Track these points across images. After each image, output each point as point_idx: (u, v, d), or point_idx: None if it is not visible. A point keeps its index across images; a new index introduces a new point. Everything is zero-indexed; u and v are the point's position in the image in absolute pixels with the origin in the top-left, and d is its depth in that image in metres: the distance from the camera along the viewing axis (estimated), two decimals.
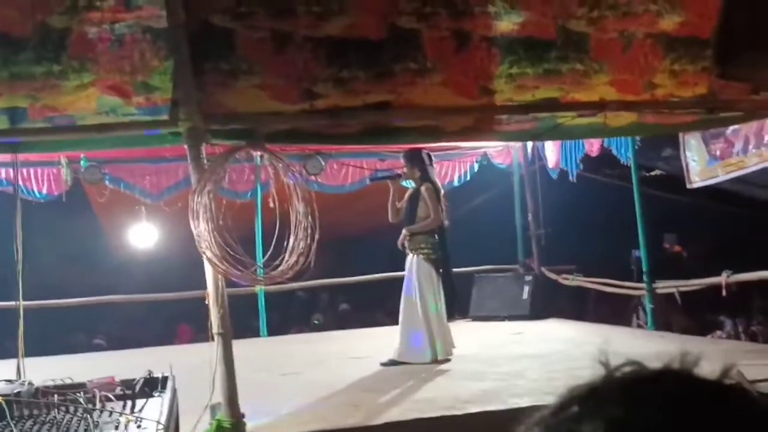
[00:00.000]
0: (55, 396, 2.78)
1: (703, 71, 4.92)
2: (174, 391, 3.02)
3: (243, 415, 4.27)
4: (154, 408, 2.72)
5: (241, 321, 7.97)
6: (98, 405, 2.73)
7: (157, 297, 10.02)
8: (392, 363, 6.45)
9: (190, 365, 4.07)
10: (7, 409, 2.56)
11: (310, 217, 4.48)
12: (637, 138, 8.00)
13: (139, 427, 2.52)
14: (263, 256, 4.99)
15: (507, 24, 4.64)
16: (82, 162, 8.47)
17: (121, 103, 4.40)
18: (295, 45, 4.42)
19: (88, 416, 2.58)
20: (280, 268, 4.47)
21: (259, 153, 5.02)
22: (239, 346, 4.51)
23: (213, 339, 4.31)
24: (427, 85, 4.63)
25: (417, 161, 6.79)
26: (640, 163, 8.66)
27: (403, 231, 6.77)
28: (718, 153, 7.50)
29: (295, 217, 4.49)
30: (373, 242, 9.56)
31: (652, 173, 9.88)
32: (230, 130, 4.70)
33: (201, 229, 4.21)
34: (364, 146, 8.36)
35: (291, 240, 4.46)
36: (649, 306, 8.38)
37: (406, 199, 6.91)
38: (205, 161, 4.41)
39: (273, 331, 9.56)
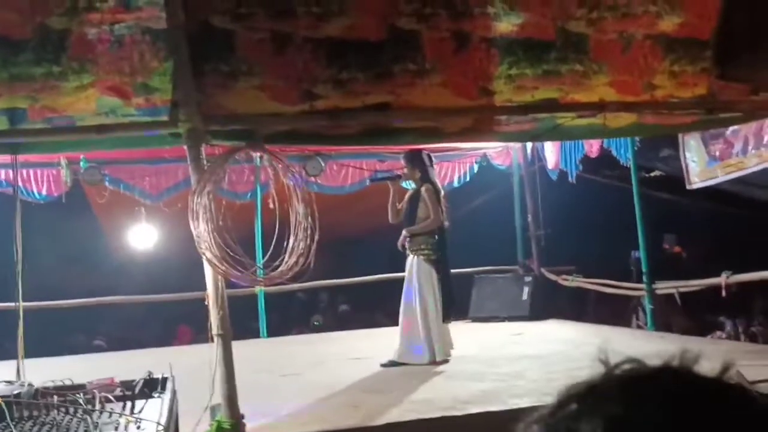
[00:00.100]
0: (55, 397, 2.78)
1: (703, 72, 4.92)
2: (174, 392, 3.02)
3: (243, 416, 4.27)
4: (154, 409, 2.72)
5: (241, 322, 7.97)
6: (98, 406, 2.73)
7: (156, 298, 10.02)
8: (392, 364, 6.45)
9: (189, 366, 4.07)
10: (6, 410, 2.56)
11: (309, 217, 4.48)
12: (637, 139, 8.00)
13: (138, 428, 2.52)
14: (263, 257, 4.99)
15: (506, 25, 4.64)
16: (81, 163, 8.47)
17: (121, 104, 4.41)
18: (294, 46, 4.42)
19: (88, 417, 2.58)
20: (279, 269, 4.47)
21: (258, 154, 5.02)
22: (239, 348, 4.51)
23: (213, 340, 4.31)
24: (426, 86, 4.63)
25: (417, 162, 6.78)
26: (640, 164, 8.66)
27: (404, 232, 6.77)
28: (717, 154, 7.50)
29: (295, 218, 4.49)
30: (373, 243, 9.56)
31: (652, 174, 9.87)
32: (230, 131, 4.70)
33: (201, 230, 4.22)
34: (364, 147, 8.36)
35: (291, 241, 4.47)
36: (648, 307, 8.38)
37: (406, 200, 6.91)
38: (205, 162, 4.41)
39: (273, 332, 9.56)
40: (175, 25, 4.17)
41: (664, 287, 8.28)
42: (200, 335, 7.12)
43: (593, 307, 10.50)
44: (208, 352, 4.31)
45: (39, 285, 7.16)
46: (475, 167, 10.30)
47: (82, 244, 10.24)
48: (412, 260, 6.69)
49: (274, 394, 5.54)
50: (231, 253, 4.28)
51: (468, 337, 7.63)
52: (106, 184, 8.77)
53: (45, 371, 3.65)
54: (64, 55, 4.21)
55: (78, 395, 2.80)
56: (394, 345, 6.59)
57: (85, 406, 2.67)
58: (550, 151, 9.62)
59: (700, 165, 7.76)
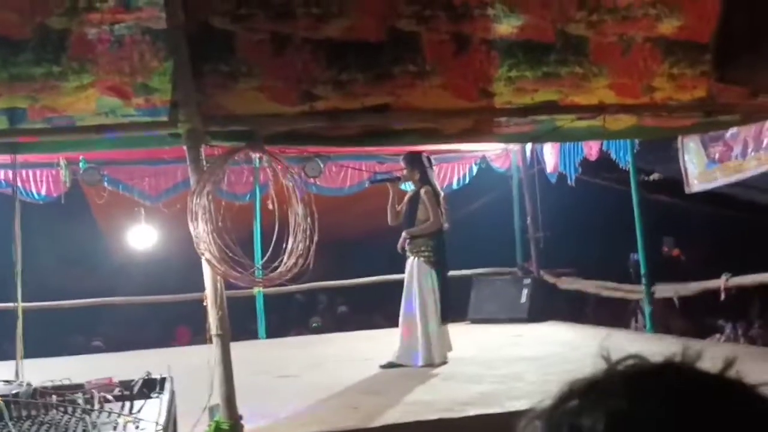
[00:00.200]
0: (54, 397, 2.77)
1: (702, 75, 4.93)
2: (172, 393, 3.02)
3: (241, 417, 4.27)
4: (153, 409, 2.72)
5: (240, 323, 7.96)
6: (96, 406, 2.72)
7: (155, 299, 10.01)
8: (391, 365, 6.45)
9: (188, 367, 4.07)
10: (5, 409, 2.56)
11: (309, 219, 4.48)
12: (636, 141, 8.00)
13: (137, 428, 2.52)
14: (262, 258, 4.99)
15: (506, 27, 4.65)
16: (81, 164, 8.46)
17: (121, 104, 4.41)
18: (294, 47, 4.42)
19: (87, 417, 2.57)
20: (278, 270, 4.47)
21: (258, 155, 5.02)
22: (237, 349, 4.51)
23: (211, 341, 4.31)
24: (426, 88, 4.63)
25: (417, 164, 6.78)
26: (639, 167, 8.66)
27: (403, 234, 6.77)
28: (717, 156, 7.50)
29: (294, 219, 4.49)
30: (372, 245, 9.55)
31: (651, 177, 9.87)
32: (229, 132, 4.70)
33: (200, 231, 4.22)
34: (364, 149, 8.36)
35: (290, 242, 4.47)
36: (647, 309, 8.37)
37: (406, 202, 6.91)
38: (204, 163, 4.41)
39: (271, 333, 9.54)
40: (175, 26, 4.17)
41: (663, 290, 8.28)
42: (198, 336, 7.11)
43: (592, 309, 10.49)
44: (207, 353, 4.31)
45: (38, 285, 7.16)
46: (475, 169, 10.29)
47: (80, 244, 10.23)
48: (412, 262, 6.69)
49: (272, 396, 5.54)
50: (230, 254, 4.28)
51: (466, 339, 7.63)
52: (105, 184, 8.75)
53: (43, 371, 3.64)
54: (64, 55, 4.21)
55: (77, 395, 2.79)
56: (393, 346, 6.59)
57: (83, 406, 2.67)
58: (549, 154, 9.62)
59: (700, 168, 7.76)
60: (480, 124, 5.29)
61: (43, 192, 8.71)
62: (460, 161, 10.20)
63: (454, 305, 7.37)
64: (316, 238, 4.46)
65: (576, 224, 10.38)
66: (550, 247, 10.17)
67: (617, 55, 4.83)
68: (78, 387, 2.93)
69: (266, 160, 4.71)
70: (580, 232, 10.36)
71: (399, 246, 6.81)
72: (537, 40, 4.72)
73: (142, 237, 9.47)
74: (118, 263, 10.31)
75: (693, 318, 9.19)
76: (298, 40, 4.42)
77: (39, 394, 2.83)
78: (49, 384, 2.96)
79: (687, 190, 7.98)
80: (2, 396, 2.63)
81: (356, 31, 4.47)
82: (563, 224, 10.16)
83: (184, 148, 4.37)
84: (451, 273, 7.07)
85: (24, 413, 2.62)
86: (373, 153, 9.07)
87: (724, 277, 7.34)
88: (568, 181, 9.19)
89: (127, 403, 2.77)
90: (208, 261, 4.22)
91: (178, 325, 10.96)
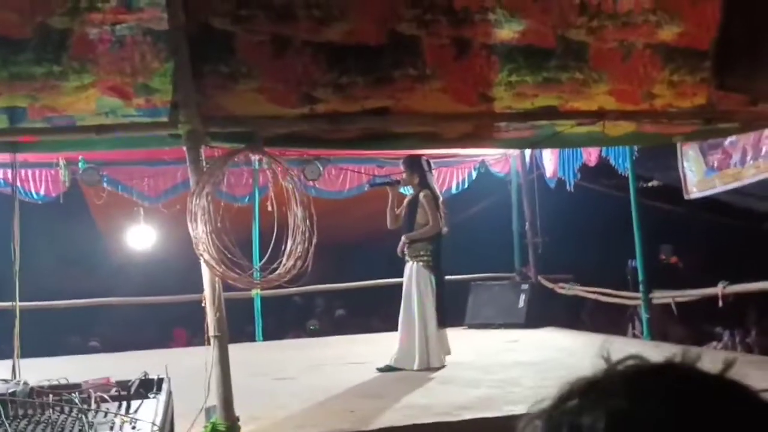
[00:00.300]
0: (50, 396, 2.77)
1: (702, 82, 4.93)
2: (169, 393, 3.02)
3: (238, 419, 4.26)
4: (150, 409, 2.71)
5: (237, 326, 7.96)
6: (93, 405, 2.72)
7: (152, 300, 10.01)
8: (388, 369, 6.45)
9: (185, 368, 4.06)
10: (1, 408, 2.56)
11: (308, 221, 4.48)
12: (635, 148, 8.01)
13: (134, 428, 2.51)
14: (260, 260, 5.00)
15: (507, 32, 4.65)
16: (80, 164, 8.46)
17: (121, 104, 4.41)
18: (294, 49, 4.42)
19: (83, 416, 2.57)
20: (277, 272, 4.48)
21: (257, 156, 5.02)
22: (234, 351, 4.50)
23: (209, 342, 4.31)
24: (426, 92, 4.64)
25: (416, 168, 6.79)
26: (638, 174, 8.67)
27: (403, 238, 6.77)
28: (715, 164, 7.51)
29: (293, 221, 4.49)
30: (371, 248, 9.56)
31: (650, 184, 9.88)
32: (229, 133, 4.71)
33: (199, 232, 4.22)
34: (363, 152, 8.36)
35: (289, 244, 4.47)
36: (645, 316, 8.37)
37: (405, 206, 6.91)
38: (204, 164, 4.41)
39: (268, 336, 9.54)
40: (176, 27, 4.18)
41: (660, 296, 8.28)
42: (195, 338, 7.12)
43: (589, 315, 10.49)
44: (204, 355, 4.30)
45: (36, 285, 7.15)
46: (474, 174, 10.30)
47: (79, 245, 10.23)
48: (411, 266, 6.69)
49: (269, 398, 5.53)
50: (229, 256, 4.28)
51: (464, 344, 7.63)
52: (105, 185, 8.75)
53: (40, 371, 3.64)
54: (64, 55, 4.21)
55: (73, 394, 2.79)
56: (391, 350, 6.58)
57: (80, 406, 2.67)
58: (549, 159, 9.63)
59: (698, 175, 7.77)
60: (480, 129, 5.30)
61: (42, 192, 8.70)
62: (459, 165, 10.21)
63: (451, 310, 7.35)
64: (314, 241, 4.46)
65: (574, 230, 10.38)
66: (548, 252, 10.18)
67: (617, 62, 4.84)
68: (75, 387, 2.93)
69: (266, 162, 4.71)
70: (579, 238, 10.36)
71: (399, 250, 6.81)
72: (537, 46, 4.72)
73: (140, 238, 9.47)
74: (116, 264, 10.31)
75: (690, 325, 9.18)
76: (299, 43, 4.42)
77: (36, 393, 2.82)
78: (46, 383, 2.95)
79: (686, 197, 7.99)
80: None
81: (357, 35, 4.48)
82: (562, 230, 10.16)
83: (184, 149, 4.37)
84: (449, 277, 7.06)
85: (21, 412, 2.62)
86: (373, 156, 9.08)
87: (721, 285, 7.34)
88: (567, 187, 9.19)
89: (124, 403, 2.77)
90: (207, 262, 4.22)
91: (175, 327, 10.96)
